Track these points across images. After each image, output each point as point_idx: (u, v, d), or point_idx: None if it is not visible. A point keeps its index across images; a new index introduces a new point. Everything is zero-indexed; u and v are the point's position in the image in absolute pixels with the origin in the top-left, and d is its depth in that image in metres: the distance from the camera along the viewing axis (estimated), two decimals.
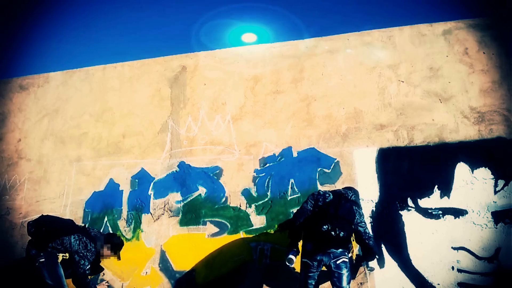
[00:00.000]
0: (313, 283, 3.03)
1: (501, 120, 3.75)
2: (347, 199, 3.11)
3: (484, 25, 4.10)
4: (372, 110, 4.09)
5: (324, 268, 3.04)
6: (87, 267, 3.43)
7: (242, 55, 4.71)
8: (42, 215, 3.73)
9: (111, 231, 4.28)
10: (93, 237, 3.60)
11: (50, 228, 3.48)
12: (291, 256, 3.08)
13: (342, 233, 2.89)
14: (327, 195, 3.15)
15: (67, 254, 3.46)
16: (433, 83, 4.03)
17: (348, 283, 2.96)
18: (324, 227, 2.90)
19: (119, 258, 3.72)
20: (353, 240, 3.15)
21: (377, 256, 3.50)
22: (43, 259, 3.40)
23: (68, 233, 3.49)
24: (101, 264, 3.79)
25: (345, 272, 2.94)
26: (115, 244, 3.71)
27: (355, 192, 3.34)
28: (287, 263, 3.08)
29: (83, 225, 3.77)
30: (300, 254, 3.14)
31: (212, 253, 3.99)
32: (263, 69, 4.58)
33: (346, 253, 2.99)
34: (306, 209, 3.14)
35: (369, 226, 3.69)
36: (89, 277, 3.49)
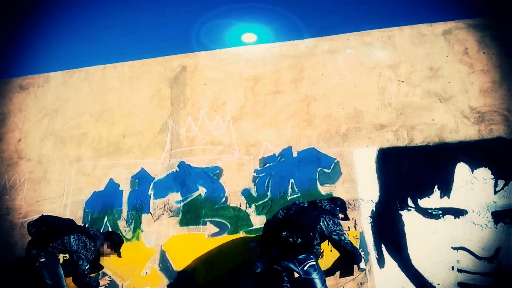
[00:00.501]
0: (287, 285, 3.11)
1: (501, 120, 3.75)
2: (316, 208, 3.19)
3: (484, 25, 4.10)
4: (372, 110, 4.09)
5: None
6: (86, 267, 3.43)
7: (242, 55, 4.71)
8: (42, 215, 3.74)
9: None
10: (92, 236, 3.60)
11: (51, 228, 3.49)
12: (258, 264, 3.14)
13: (299, 240, 2.96)
14: (302, 204, 3.26)
15: (67, 255, 3.46)
16: (433, 83, 4.03)
17: (323, 284, 3.00)
18: (283, 233, 3.01)
19: (119, 255, 3.73)
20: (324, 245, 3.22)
21: (366, 256, 3.51)
22: (43, 259, 3.40)
23: (68, 233, 3.50)
24: (101, 263, 3.79)
25: (315, 276, 2.98)
26: (115, 242, 3.72)
27: (339, 202, 3.39)
28: (255, 270, 3.14)
29: (83, 224, 3.79)
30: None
31: (212, 253, 3.99)
32: (263, 69, 4.58)
33: (312, 257, 3.03)
34: (276, 217, 3.25)
35: (368, 227, 3.69)
36: (89, 275, 3.49)
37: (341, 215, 3.38)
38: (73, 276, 3.45)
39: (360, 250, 3.42)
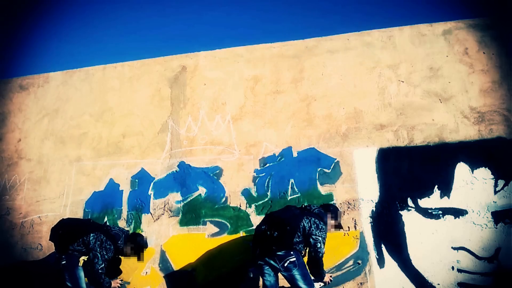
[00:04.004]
0: (269, 279, 3.11)
1: (501, 120, 3.75)
2: (303, 209, 3.26)
3: (484, 25, 4.10)
4: (372, 110, 4.09)
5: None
6: (101, 266, 3.41)
7: (242, 55, 4.71)
8: (62, 219, 3.77)
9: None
10: (113, 235, 3.57)
11: (67, 231, 3.53)
12: (250, 270, 3.32)
13: (275, 233, 3.02)
14: (292, 206, 3.37)
15: (87, 257, 3.51)
16: (433, 83, 4.03)
17: (305, 281, 2.98)
18: (263, 227, 3.12)
19: (140, 258, 3.71)
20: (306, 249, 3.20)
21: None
22: (64, 262, 3.46)
23: (88, 232, 3.51)
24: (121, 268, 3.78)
25: (296, 272, 2.98)
26: (139, 245, 3.68)
27: (331, 208, 3.38)
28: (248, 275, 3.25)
29: (104, 222, 3.76)
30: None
31: (212, 253, 3.98)
32: (263, 69, 4.58)
33: (292, 253, 3.03)
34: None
35: (368, 227, 3.70)
36: (103, 276, 3.45)
37: (333, 222, 3.34)
38: (89, 276, 3.47)
39: (328, 274, 3.36)
